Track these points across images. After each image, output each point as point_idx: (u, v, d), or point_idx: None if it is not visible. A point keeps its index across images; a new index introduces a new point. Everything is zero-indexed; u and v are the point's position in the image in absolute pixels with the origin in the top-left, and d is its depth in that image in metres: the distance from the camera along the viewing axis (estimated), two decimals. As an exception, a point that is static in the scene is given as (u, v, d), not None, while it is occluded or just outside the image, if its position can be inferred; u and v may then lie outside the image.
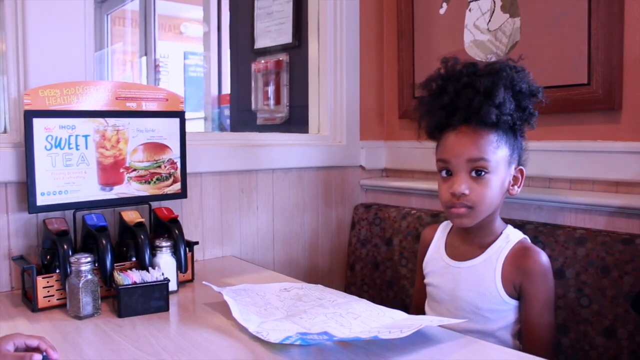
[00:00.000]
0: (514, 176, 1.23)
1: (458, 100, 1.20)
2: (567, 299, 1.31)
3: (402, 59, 1.93)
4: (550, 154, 1.51)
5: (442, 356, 0.92)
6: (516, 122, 1.19)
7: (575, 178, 1.48)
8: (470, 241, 1.26)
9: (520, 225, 1.42)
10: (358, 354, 0.92)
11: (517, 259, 1.19)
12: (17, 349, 0.88)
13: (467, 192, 1.17)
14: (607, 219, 1.38)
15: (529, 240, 1.25)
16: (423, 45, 1.87)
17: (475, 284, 1.21)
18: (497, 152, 1.17)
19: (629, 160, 1.37)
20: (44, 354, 0.88)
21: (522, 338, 1.20)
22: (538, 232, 1.39)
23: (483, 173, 1.17)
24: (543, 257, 1.19)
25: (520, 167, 1.24)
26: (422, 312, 1.35)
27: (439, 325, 1.03)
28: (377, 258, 1.79)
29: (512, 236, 1.23)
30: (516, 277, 1.18)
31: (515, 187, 1.23)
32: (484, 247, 1.23)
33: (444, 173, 1.22)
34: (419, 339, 0.97)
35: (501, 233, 1.24)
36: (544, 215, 1.49)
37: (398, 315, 1.06)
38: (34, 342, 0.89)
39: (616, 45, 1.39)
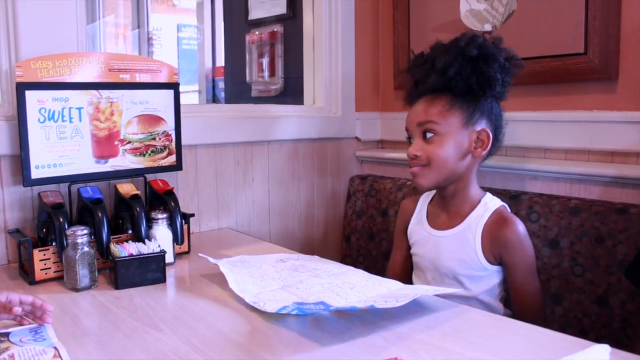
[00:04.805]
0: (478, 138, 1.24)
1: (417, 75, 1.30)
2: (561, 268, 1.32)
3: (398, 30, 1.91)
4: (546, 124, 1.51)
5: (437, 324, 0.93)
6: (473, 86, 1.22)
7: (570, 148, 1.48)
8: (449, 210, 1.30)
9: (515, 195, 1.42)
10: (354, 323, 0.93)
11: (495, 228, 1.22)
12: (10, 302, 0.92)
13: (418, 153, 1.24)
14: (602, 188, 1.38)
15: (507, 209, 1.28)
16: (419, 15, 1.85)
17: (455, 252, 1.25)
18: (447, 115, 1.23)
19: (624, 130, 1.37)
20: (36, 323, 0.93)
21: (512, 306, 1.24)
22: (533, 202, 1.39)
23: (430, 134, 1.23)
24: (519, 227, 1.22)
25: (485, 128, 1.24)
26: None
27: (435, 295, 1.04)
28: (372, 229, 1.80)
29: (490, 204, 1.26)
30: (495, 248, 1.22)
31: (479, 149, 1.24)
32: (463, 216, 1.27)
33: (408, 139, 1.30)
34: (415, 307, 0.98)
35: (480, 201, 1.27)
36: (539, 185, 1.49)
37: (394, 285, 1.07)
38: (28, 298, 0.93)
39: (614, 14, 1.37)
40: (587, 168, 1.40)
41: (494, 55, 1.22)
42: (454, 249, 1.26)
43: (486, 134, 1.24)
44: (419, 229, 1.35)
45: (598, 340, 0.86)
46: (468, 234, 1.24)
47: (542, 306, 1.24)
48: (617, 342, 1.21)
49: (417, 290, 1.02)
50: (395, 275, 1.37)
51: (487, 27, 1.62)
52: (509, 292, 1.24)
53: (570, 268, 1.31)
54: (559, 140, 1.49)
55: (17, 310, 0.90)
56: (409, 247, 1.39)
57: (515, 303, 1.23)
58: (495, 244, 1.22)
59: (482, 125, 1.24)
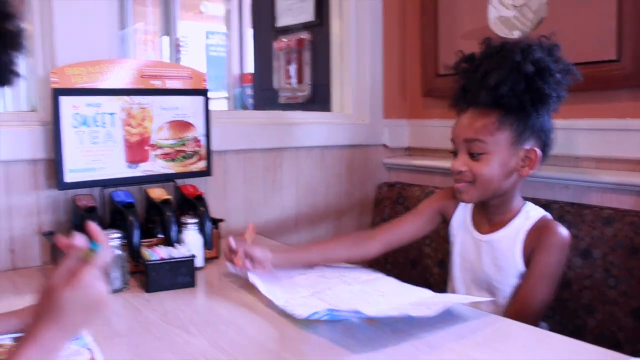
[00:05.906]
0: (526, 157, 1.20)
1: (467, 83, 1.24)
2: (594, 279, 1.30)
3: (425, 36, 1.91)
4: (577, 132, 1.49)
5: (469, 334, 0.92)
6: (525, 103, 1.17)
7: (601, 157, 1.46)
8: (490, 217, 1.27)
9: (545, 204, 1.40)
10: (385, 331, 0.93)
11: (539, 233, 1.20)
12: None
13: (463, 169, 1.21)
14: (635, 198, 1.36)
15: (550, 217, 1.25)
16: (446, 21, 1.84)
17: (494, 258, 1.23)
18: (496, 133, 1.18)
19: (659, 139, 1.35)
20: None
21: (509, 302, 1.21)
22: (564, 211, 1.37)
23: (478, 154, 1.19)
24: (562, 231, 1.20)
25: (534, 148, 1.20)
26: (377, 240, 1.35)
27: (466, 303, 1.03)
28: (399, 237, 1.79)
29: (532, 212, 1.24)
30: (532, 247, 1.19)
31: (526, 168, 1.21)
32: (503, 223, 1.24)
33: (453, 152, 1.26)
34: (446, 316, 0.97)
35: (520, 210, 1.25)
36: (570, 194, 1.47)
37: (425, 293, 1.06)
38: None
39: (647, 21, 1.35)
40: (619, 177, 1.37)
41: (550, 70, 1.17)
42: (493, 254, 1.23)
43: (535, 154, 1.20)
44: (463, 228, 1.32)
45: (634, 354, 0.84)
46: (509, 241, 1.22)
47: (535, 316, 1.17)
48: (651, 356, 1.18)
49: (450, 298, 1.01)
50: (383, 239, 1.35)
51: (516, 34, 1.61)
52: (516, 288, 1.20)
53: (603, 279, 1.28)
54: (590, 148, 1.47)
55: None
56: (421, 229, 1.36)
57: (513, 300, 1.20)
58: (534, 244, 1.19)
59: (531, 143, 1.20)
